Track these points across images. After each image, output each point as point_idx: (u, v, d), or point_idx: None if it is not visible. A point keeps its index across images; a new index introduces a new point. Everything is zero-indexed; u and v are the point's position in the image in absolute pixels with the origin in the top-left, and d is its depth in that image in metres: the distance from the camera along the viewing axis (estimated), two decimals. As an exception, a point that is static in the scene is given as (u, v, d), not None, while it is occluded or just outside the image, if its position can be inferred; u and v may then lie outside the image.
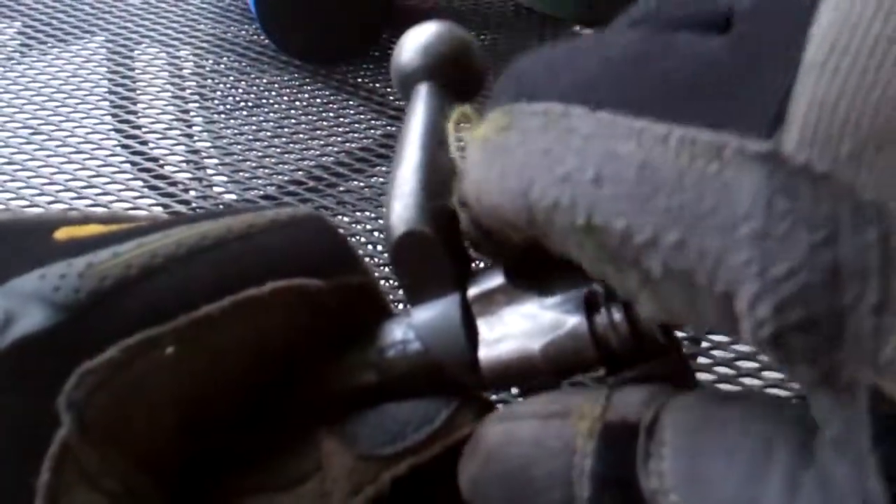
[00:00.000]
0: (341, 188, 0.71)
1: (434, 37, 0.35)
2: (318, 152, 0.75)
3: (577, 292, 0.27)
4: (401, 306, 0.51)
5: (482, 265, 0.30)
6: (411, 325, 0.29)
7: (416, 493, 0.28)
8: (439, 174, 0.30)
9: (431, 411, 0.28)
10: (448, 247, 0.29)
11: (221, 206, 0.67)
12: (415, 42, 0.35)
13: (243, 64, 0.86)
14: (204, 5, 0.95)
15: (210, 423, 0.28)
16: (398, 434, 0.28)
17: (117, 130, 0.76)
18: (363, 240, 0.64)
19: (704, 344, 0.58)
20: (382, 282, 0.57)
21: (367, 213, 0.66)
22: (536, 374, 0.27)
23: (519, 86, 0.26)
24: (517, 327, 0.27)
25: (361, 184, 0.71)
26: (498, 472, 0.26)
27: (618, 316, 0.26)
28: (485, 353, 0.27)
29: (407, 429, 0.28)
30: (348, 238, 0.31)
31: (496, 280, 0.28)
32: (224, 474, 0.28)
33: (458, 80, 0.35)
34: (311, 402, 0.29)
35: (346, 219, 0.68)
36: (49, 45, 0.87)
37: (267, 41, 0.88)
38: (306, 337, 0.29)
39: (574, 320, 0.26)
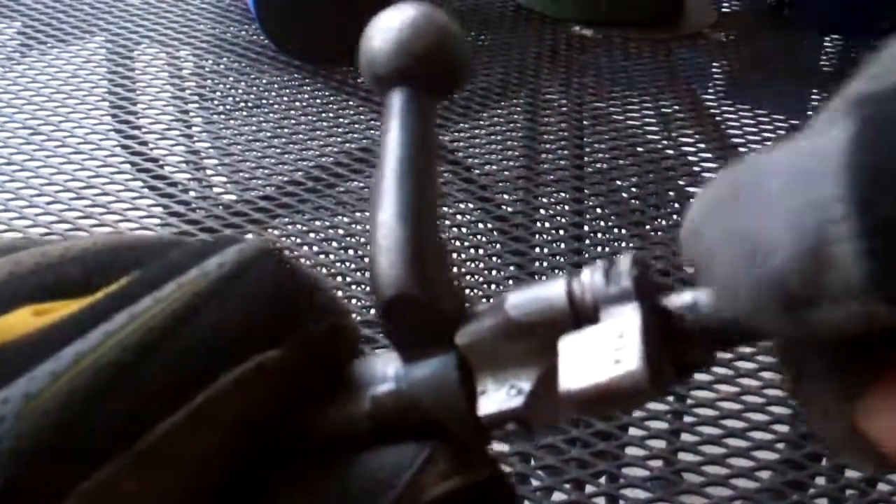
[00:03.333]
0: (340, 188, 0.71)
1: (410, 31, 0.30)
2: (317, 152, 0.75)
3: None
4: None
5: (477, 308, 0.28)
6: (404, 380, 0.27)
7: None
8: (426, 216, 0.28)
9: (394, 475, 0.26)
10: (441, 305, 0.27)
11: (220, 207, 0.67)
12: (386, 37, 0.30)
13: (243, 64, 0.86)
14: (204, 5, 0.95)
15: None
16: None
17: (117, 130, 0.76)
18: (362, 240, 0.64)
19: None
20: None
21: (366, 214, 0.66)
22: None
23: None
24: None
25: (360, 184, 0.71)
26: None
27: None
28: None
29: (368, 499, 0.26)
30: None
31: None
32: None
33: (439, 78, 0.30)
34: (278, 473, 0.27)
35: (345, 219, 0.68)
36: (49, 45, 0.87)
37: (267, 41, 0.88)
38: (274, 407, 0.27)
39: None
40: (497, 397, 0.27)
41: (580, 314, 0.26)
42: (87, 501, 0.24)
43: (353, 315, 0.29)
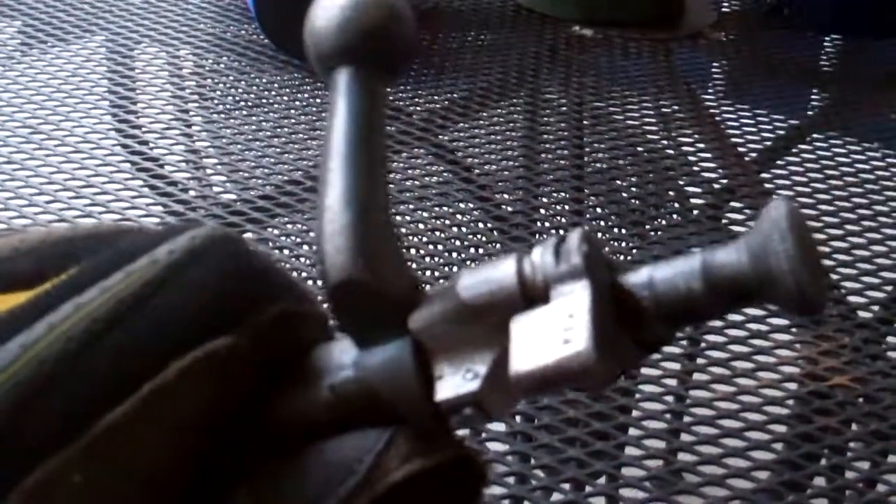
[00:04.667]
0: (340, 188, 0.70)
1: (353, 8, 0.28)
2: (316, 152, 0.75)
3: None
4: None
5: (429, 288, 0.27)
6: (360, 367, 0.27)
7: None
8: (373, 199, 0.27)
9: (355, 459, 0.26)
10: (391, 289, 0.27)
11: (220, 206, 0.68)
12: (329, 15, 0.29)
13: (242, 63, 0.86)
14: (204, 5, 0.95)
15: None
16: (319, 495, 0.26)
17: (117, 130, 0.76)
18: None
19: (702, 344, 0.58)
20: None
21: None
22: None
23: None
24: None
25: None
26: None
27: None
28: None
29: (330, 485, 0.26)
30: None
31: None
32: None
33: (384, 56, 0.29)
34: (237, 460, 0.27)
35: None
36: (49, 44, 0.87)
37: (266, 41, 0.88)
38: (227, 395, 0.26)
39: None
40: (453, 382, 0.26)
41: (530, 294, 0.25)
42: (31, 496, 0.23)
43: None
